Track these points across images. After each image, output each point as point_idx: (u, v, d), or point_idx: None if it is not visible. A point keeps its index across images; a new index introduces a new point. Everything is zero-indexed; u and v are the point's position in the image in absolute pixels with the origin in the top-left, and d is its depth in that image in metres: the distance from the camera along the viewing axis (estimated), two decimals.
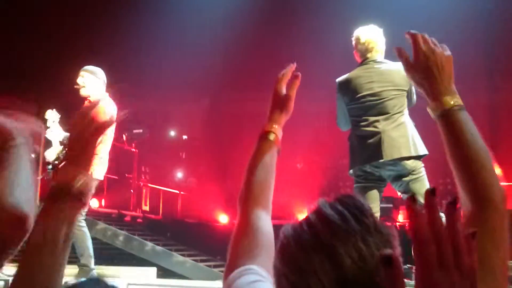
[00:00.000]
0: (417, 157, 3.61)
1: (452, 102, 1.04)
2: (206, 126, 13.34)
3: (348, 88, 3.79)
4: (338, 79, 3.88)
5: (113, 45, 10.63)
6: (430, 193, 0.65)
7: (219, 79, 12.09)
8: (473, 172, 0.99)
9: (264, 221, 1.20)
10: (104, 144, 4.23)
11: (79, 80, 4.44)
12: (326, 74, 12.03)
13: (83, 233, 4.36)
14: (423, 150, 3.62)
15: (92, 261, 4.44)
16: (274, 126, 1.35)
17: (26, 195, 1.02)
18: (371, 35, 3.79)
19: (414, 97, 3.77)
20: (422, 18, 8.76)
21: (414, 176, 3.59)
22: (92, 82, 4.44)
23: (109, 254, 7.26)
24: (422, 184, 3.57)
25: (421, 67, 1.09)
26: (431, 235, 0.63)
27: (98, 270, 4.71)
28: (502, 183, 0.98)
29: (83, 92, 4.43)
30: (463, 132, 1.03)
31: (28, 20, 10.31)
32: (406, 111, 3.73)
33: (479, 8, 10.77)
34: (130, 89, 7.67)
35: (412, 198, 0.65)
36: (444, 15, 9.65)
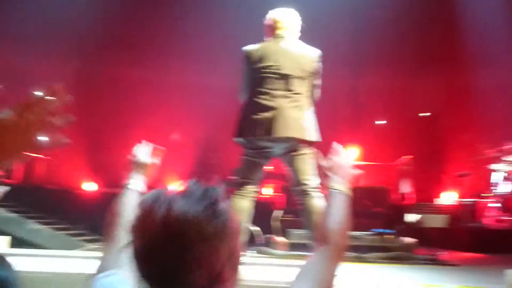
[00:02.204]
0: (309, 142, 3.67)
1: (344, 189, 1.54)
2: (76, 89, 12.49)
3: (254, 57, 3.75)
4: (245, 48, 3.83)
5: None
6: None
7: (94, 39, 11.36)
8: (334, 226, 1.44)
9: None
10: None
11: None
12: (206, 48, 12.02)
13: None
14: (316, 136, 3.70)
15: None
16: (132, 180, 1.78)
17: None
18: (284, 15, 3.83)
19: (317, 90, 3.84)
20: (291, 4, 9.02)
21: (299, 154, 3.66)
22: None
23: None
24: (308, 164, 3.65)
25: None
26: None
27: None
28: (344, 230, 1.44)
29: None
30: (343, 206, 1.51)
31: None
32: (308, 96, 3.75)
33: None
34: None
35: None
36: (313, 4, 10.08)
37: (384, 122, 13.97)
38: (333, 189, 1.54)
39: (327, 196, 1.54)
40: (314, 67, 3.74)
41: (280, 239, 5.25)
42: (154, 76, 12.30)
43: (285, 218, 5.96)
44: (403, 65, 12.91)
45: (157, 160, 1.89)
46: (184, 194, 1.03)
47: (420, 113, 14.01)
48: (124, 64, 11.92)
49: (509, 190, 7.87)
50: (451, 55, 12.16)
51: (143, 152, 1.87)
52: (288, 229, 5.45)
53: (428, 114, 13.92)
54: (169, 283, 0.99)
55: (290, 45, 3.77)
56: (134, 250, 1.03)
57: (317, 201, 3.56)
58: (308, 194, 3.61)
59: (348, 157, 1.64)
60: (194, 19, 10.87)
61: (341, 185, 1.54)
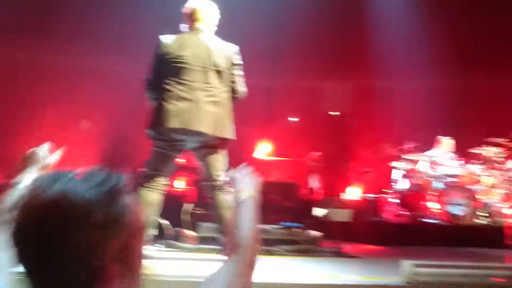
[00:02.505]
0: (223, 139, 3.66)
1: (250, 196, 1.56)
2: None
3: (172, 47, 3.65)
4: (162, 36, 3.71)
5: None
6: None
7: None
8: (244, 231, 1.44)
9: None
10: None
11: None
12: (120, 36, 11.58)
13: None
14: (231, 134, 3.67)
15: None
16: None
17: None
18: (203, 6, 3.78)
19: (239, 88, 3.79)
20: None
21: (213, 151, 3.65)
22: None
23: None
24: (220, 160, 3.65)
25: None
26: None
27: None
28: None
29: None
30: (252, 213, 1.52)
31: None
32: (226, 91, 3.71)
33: None
34: None
35: None
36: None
37: (296, 119, 14.34)
38: (240, 198, 1.54)
39: (235, 206, 1.55)
40: (232, 62, 3.73)
41: (189, 232, 5.20)
42: (66, 62, 11.66)
43: (196, 212, 5.92)
44: (314, 65, 13.32)
45: (56, 156, 1.80)
46: (83, 177, 0.96)
47: (330, 112, 14.54)
48: (35, 49, 11.18)
49: (407, 187, 8.40)
50: (358, 57, 12.74)
51: (42, 150, 1.78)
52: (198, 223, 5.42)
53: (337, 113, 14.48)
54: (44, 268, 0.91)
55: (209, 39, 3.73)
56: (14, 228, 0.94)
57: (227, 196, 3.57)
58: (218, 189, 3.62)
59: (250, 171, 1.67)
60: (104, 5, 10.43)
61: (247, 193, 1.55)
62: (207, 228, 5.19)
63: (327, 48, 13.05)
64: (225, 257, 1.37)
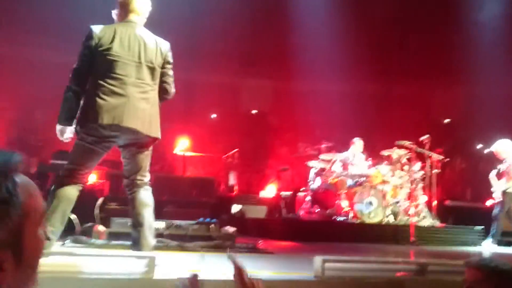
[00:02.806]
0: (152, 138, 3.58)
1: None
2: None
3: (105, 39, 3.44)
4: (95, 26, 3.49)
5: None
6: None
7: None
8: None
9: None
10: None
11: None
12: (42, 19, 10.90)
13: None
14: (158, 133, 3.59)
15: None
16: None
17: None
18: None
19: (170, 89, 3.70)
20: None
21: (141, 150, 3.56)
22: None
23: None
24: (145, 160, 3.58)
25: None
26: None
27: None
28: None
29: None
30: None
31: None
32: (156, 89, 3.61)
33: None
34: None
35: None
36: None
37: (215, 116, 14.32)
38: None
39: None
40: (167, 60, 3.65)
41: (101, 228, 5.01)
42: None
43: (109, 207, 5.73)
44: (235, 63, 13.39)
45: None
46: None
47: (249, 110, 14.69)
48: None
49: (320, 186, 8.68)
50: (278, 58, 12.99)
51: None
52: (111, 218, 5.24)
53: (255, 111, 14.65)
54: None
55: (144, 33, 3.61)
56: None
57: (146, 194, 3.57)
58: (139, 187, 3.57)
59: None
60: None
61: None
62: (119, 224, 5.03)
63: (248, 47, 13.18)
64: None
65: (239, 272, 1.69)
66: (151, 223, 3.57)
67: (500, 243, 8.30)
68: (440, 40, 12.71)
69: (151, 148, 3.65)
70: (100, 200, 5.73)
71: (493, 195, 8.13)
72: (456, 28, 12.35)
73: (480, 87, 13.20)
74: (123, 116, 3.41)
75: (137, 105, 3.47)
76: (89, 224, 5.10)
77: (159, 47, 3.61)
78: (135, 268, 2.82)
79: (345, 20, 12.09)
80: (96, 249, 4.20)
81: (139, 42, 3.55)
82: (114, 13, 3.72)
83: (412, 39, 13.17)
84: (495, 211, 7.95)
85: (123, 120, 3.42)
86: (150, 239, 3.54)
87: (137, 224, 3.53)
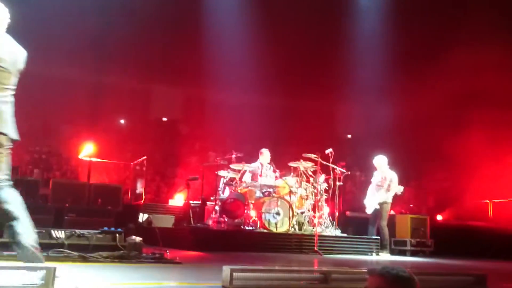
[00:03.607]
0: (11, 140, 3.55)
1: None
2: None
3: None
4: None
5: None
6: None
7: None
8: None
9: None
10: None
11: None
12: None
13: None
14: (18, 135, 3.58)
15: None
16: None
17: None
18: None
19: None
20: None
21: (4, 152, 3.52)
22: None
23: None
24: (8, 160, 3.56)
25: None
26: None
27: None
28: None
29: None
30: None
31: None
32: (13, 93, 3.60)
33: None
34: None
35: None
36: None
37: (124, 121, 13.91)
38: None
39: None
40: (22, 66, 3.65)
41: None
42: None
43: None
44: (148, 69, 13.12)
45: None
46: None
47: (160, 117, 14.44)
48: None
49: (229, 195, 8.71)
50: (192, 67, 12.94)
51: None
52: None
53: (166, 119, 14.44)
54: None
55: (6, 38, 3.57)
56: None
57: (9, 193, 3.52)
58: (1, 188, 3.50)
59: None
60: None
61: None
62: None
63: (160, 53, 12.98)
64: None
65: None
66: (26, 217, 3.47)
67: (392, 252, 8.87)
68: (343, 58, 13.39)
69: (10, 150, 3.60)
70: None
71: (366, 207, 8.87)
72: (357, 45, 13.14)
73: (376, 106, 14.13)
74: None
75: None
76: None
77: (20, 54, 3.68)
78: (31, 280, 2.63)
79: (257, 36, 12.36)
80: None
81: (5, 47, 3.61)
82: None
83: (319, 56, 13.75)
84: (373, 222, 8.66)
85: None
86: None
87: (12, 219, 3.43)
